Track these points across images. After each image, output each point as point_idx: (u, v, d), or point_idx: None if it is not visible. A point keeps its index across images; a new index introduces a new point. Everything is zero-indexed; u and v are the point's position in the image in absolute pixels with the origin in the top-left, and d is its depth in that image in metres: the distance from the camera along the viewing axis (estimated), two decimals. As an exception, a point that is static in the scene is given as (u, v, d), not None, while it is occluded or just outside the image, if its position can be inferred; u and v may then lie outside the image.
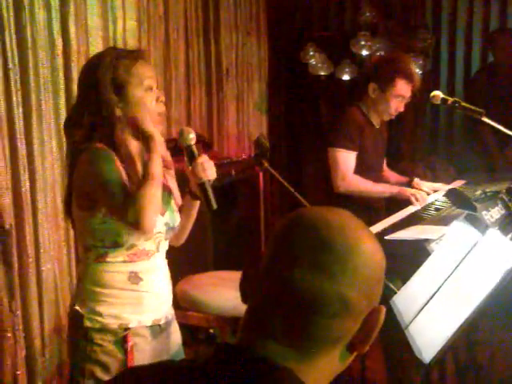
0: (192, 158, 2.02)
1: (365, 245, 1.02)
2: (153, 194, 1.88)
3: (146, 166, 1.93)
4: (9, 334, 3.03)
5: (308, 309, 0.98)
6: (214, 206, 1.99)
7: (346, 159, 3.21)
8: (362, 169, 3.26)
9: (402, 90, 3.22)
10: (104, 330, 1.97)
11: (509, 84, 4.74)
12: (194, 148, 2.03)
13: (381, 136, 3.45)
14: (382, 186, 3.30)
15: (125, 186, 1.91)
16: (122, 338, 1.98)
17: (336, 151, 3.22)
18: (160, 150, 1.97)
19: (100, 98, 1.94)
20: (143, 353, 2.02)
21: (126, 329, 1.99)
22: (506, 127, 2.85)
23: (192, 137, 2.03)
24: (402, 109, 3.29)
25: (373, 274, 1.02)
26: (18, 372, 3.10)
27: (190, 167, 2.02)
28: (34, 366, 3.19)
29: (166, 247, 2.13)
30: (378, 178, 3.41)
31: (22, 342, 3.11)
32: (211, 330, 3.03)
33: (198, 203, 2.16)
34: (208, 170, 2.01)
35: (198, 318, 2.97)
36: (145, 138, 1.95)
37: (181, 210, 2.17)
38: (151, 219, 1.89)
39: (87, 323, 1.97)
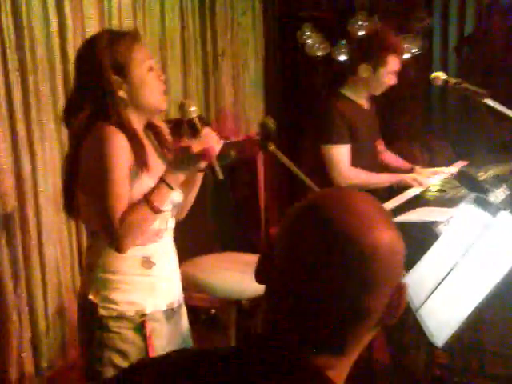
0: (195, 131, 1.96)
1: (383, 246, 0.96)
2: (145, 221, 1.89)
3: (157, 191, 1.91)
4: (14, 317, 3.03)
5: (328, 318, 0.97)
6: (221, 176, 1.95)
7: (340, 154, 3.16)
8: (357, 156, 3.21)
9: (394, 65, 3.20)
10: (121, 317, 1.95)
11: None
12: (197, 120, 1.97)
13: (372, 117, 3.40)
14: (382, 177, 3.26)
15: (123, 192, 1.87)
16: (140, 325, 1.97)
17: (329, 148, 3.16)
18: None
19: (102, 80, 1.90)
20: (160, 337, 2.01)
21: (143, 315, 1.98)
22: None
23: (194, 109, 1.97)
24: (395, 82, 3.24)
25: (394, 270, 0.99)
26: (24, 354, 3.10)
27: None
28: (39, 347, 3.20)
29: (173, 225, 2.11)
30: (375, 163, 3.36)
31: (27, 324, 3.11)
32: (212, 311, 3.02)
33: (201, 176, 2.14)
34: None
35: (201, 299, 2.97)
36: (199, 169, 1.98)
37: (183, 183, 2.10)
38: (131, 245, 1.89)
39: (102, 312, 1.95)
